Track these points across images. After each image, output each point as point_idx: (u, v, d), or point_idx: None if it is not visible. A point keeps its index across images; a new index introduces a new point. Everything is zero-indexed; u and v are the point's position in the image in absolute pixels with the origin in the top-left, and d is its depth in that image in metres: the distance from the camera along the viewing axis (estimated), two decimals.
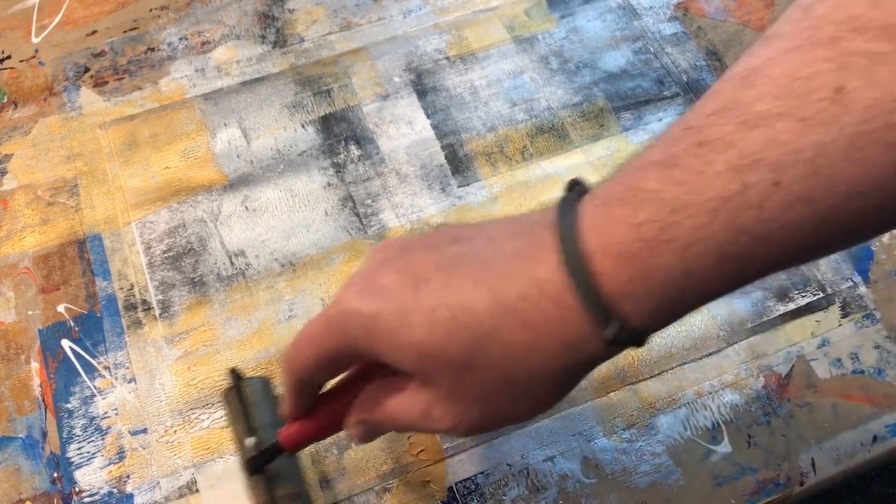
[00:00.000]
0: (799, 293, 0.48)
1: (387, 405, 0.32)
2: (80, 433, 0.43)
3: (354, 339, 0.30)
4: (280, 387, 0.35)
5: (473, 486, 0.42)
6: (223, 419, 0.44)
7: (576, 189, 0.28)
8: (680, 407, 0.45)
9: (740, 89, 0.25)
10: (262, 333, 0.46)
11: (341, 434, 0.43)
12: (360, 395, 0.33)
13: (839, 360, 0.46)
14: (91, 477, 0.42)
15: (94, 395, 0.44)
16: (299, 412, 0.35)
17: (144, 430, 0.44)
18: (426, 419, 0.30)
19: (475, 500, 0.42)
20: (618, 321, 0.26)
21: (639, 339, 0.27)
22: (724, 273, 0.25)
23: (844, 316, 0.48)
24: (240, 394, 0.40)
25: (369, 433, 0.34)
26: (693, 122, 0.25)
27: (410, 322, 0.28)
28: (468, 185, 0.52)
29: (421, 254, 0.30)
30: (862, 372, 0.46)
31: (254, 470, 0.38)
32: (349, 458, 0.43)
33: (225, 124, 0.54)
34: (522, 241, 0.28)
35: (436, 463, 0.43)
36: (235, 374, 0.41)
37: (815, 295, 0.48)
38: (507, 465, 0.43)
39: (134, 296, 0.47)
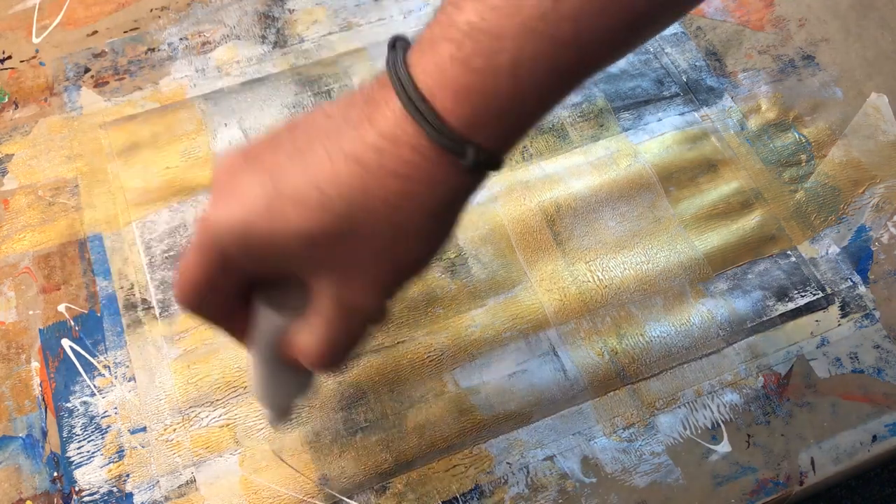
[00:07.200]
0: (798, 293, 0.48)
1: (297, 343, 0.31)
2: (80, 432, 0.44)
3: (231, 252, 0.29)
4: None
5: (473, 485, 0.42)
6: (222, 417, 0.44)
7: (399, 44, 0.29)
8: (679, 407, 0.45)
9: None
10: None
11: (343, 431, 0.43)
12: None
13: (838, 359, 0.46)
14: (91, 476, 0.42)
15: (94, 395, 0.44)
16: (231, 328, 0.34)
17: (144, 429, 0.44)
18: (350, 316, 0.30)
19: (475, 499, 0.42)
20: (472, 147, 0.27)
21: (497, 162, 0.28)
22: (556, 83, 0.27)
23: (844, 316, 0.48)
24: None
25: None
26: None
27: (284, 214, 0.27)
28: None
29: (267, 150, 0.29)
30: (861, 371, 0.46)
31: None
32: (349, 458, 0.43)
33: (225, 124, 0.54)
34: (362, 106, 0.29)
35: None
36: None
37: (814, 295, 0.48)
38: (507, 463, 0.43)
39: (134, 295, 0.47)
